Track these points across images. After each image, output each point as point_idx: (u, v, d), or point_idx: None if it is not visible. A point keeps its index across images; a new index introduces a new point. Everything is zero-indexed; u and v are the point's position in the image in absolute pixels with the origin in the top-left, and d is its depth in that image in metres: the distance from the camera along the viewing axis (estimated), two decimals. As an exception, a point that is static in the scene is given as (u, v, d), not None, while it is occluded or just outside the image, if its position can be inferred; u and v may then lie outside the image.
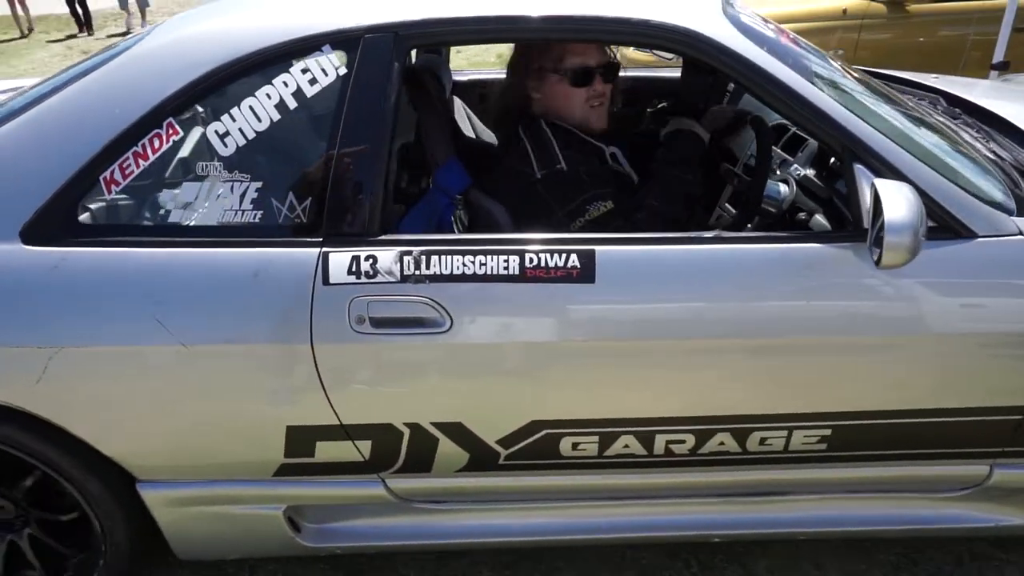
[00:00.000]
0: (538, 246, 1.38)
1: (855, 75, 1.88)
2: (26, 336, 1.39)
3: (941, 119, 1.86)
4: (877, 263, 1.25)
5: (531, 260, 1.37)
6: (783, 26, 1.81)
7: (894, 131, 1.49)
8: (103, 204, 1.43)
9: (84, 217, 1.42)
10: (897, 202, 1.20)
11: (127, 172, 1.40)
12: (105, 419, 1.46)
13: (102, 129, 1.39)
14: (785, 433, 1.50)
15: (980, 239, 1.38)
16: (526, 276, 1.37)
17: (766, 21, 1.68)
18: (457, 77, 2.52)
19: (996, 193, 1.48)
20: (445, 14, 1.44)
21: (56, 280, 1.38)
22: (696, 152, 1.75)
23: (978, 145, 1.74)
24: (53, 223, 1.39)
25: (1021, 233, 1.38)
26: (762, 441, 1.51)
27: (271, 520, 1.61)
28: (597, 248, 1.37)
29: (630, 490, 1.62)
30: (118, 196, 1.41)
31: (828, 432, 1.50)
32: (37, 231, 1.39)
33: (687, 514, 1.64)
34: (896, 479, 1.61)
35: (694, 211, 1.79)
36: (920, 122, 1.71)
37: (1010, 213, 1.42)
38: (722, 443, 1.51)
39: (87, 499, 1.55)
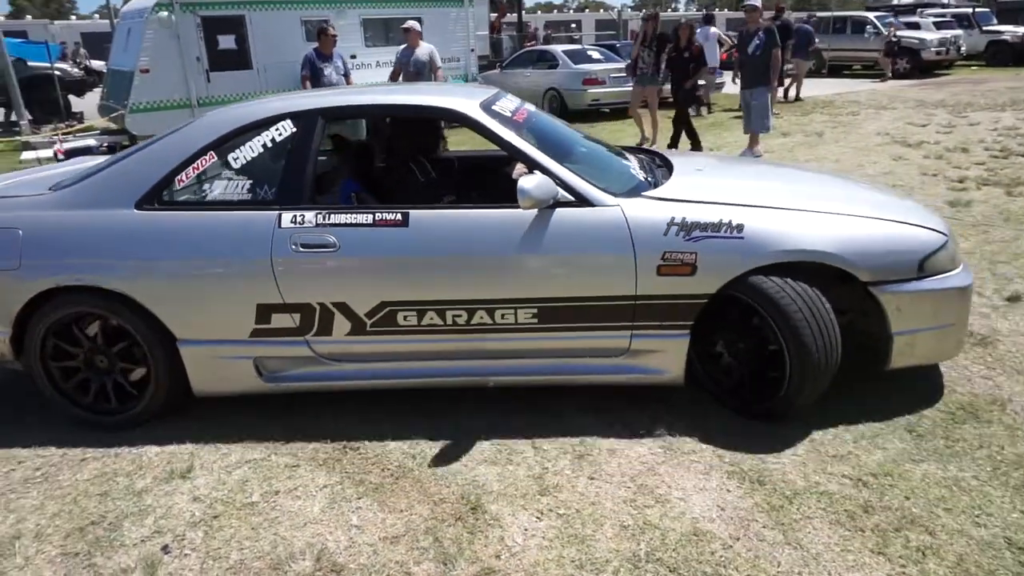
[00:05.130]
0: (381, 209, 2.86)
1: (576, 133, 3.43)
2: (136, 254, 2.86)
3: (631, 158, 3.37)
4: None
5: (378, 216, 2.84)
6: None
7: (570, 157, 2.99)
8: (175, 190, 2.95)
9: (166, 197, 2.93)
10: (529, 181, 2.66)
11: (188, 176, 2.93)
12: (164, 299, 2.90)
13: (180, 154, 2.94)
14: (513, 310, 2.88)
15: (595, 207, 2.82)
16: (376, 223, 2.84)
17: (516, 108, 3.24)
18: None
19: (621, 188, 2.94)
20: (340, 104, 3.03)
21: (148, 229, 2.87)
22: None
23: (641, 170, 3.22)
24: (151, 200, 2.91)
25: (619, 207, 2.82)
26: (503, 316, 2.89)
27: (246, 365, 2.99)
28: (411, 211, 2.85)
29: (440, 353, 2.98)
30: (184, 187, 2.94)
31: (536, 310, 2.87)
32: (143, 203, 2.90)
33: (470, 367, 2.99)
34: (579, 348, 2.95)
35: None
36: (604, 156, 3.24)
37: (616, 195, 2.86)
38: (482, 317, 2.89)
39: (149, 348, 2.96)
